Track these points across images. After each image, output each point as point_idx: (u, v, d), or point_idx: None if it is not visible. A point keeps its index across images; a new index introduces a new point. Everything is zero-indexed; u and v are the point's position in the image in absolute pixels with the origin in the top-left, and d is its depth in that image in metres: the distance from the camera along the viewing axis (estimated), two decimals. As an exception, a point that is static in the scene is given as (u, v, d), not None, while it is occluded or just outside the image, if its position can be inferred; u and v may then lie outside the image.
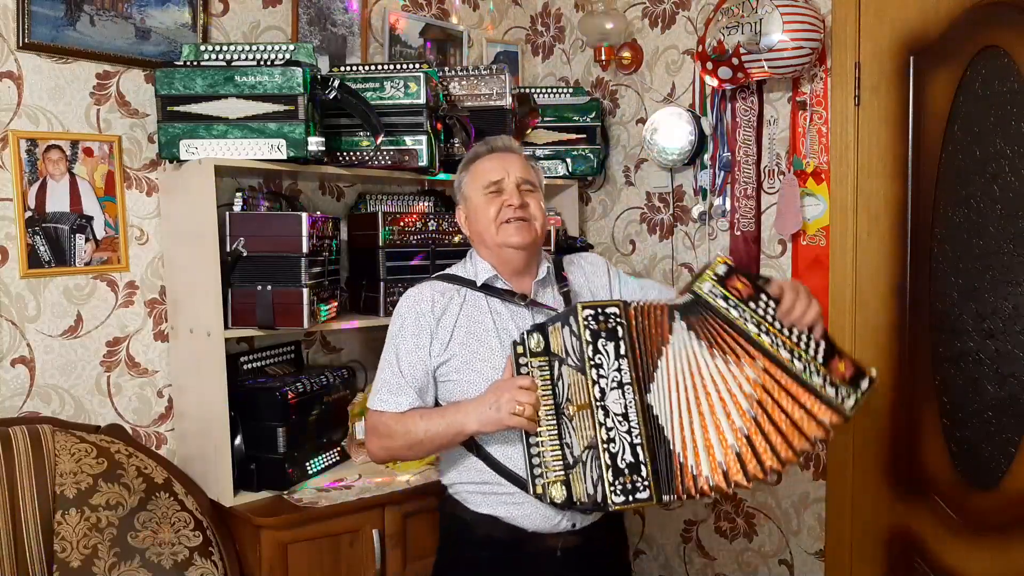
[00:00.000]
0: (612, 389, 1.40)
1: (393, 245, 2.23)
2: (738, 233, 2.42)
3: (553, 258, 1.73)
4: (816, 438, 1.36)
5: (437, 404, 1.59)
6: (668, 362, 1.42)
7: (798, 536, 2.35)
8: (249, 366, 2.17)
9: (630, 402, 1.40)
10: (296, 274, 1.96)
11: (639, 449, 1.38)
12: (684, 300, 1.46)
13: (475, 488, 1.57)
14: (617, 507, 1.37)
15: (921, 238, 2.03)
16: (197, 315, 2.00)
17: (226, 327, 1.94)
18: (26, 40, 1.91)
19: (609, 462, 1.37)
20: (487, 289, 1.61)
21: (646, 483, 1.37)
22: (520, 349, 1.46)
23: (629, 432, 1.39)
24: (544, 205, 1.67)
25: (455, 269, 1.69)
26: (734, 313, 1.41)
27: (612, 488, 1.36)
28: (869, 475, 2.15)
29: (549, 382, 1.44)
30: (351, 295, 2.39)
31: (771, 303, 1.42)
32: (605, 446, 1.38)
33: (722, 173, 2.46)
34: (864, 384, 1.37)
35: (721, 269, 1.44)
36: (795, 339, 1.40)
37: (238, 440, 1.99)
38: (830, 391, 1.36)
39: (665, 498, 1.38)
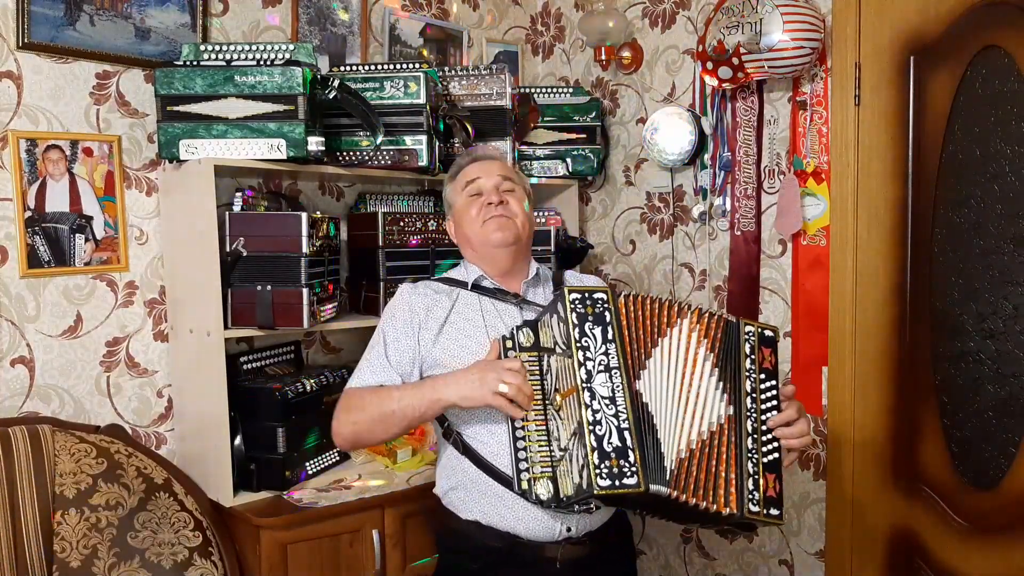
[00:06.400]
0: (599, 372, 1.37)
1: (393, 245, 2.23)
2: (738, 233, 2.42)
3: (554, 272, 1.76)
4: (709, 508, 1.35)
5: None
6: (664, 353, 1.41)
7: (798, 536, 2.35)
8: (249, 366, 2.17)
9: (617, 386, 1.36)
10: (296, 274, 1.96)
11: (626, 434, 1.34)
12: (734, 320, 1.47)
13: (464, 493, 1.55)
14: (603, 491, 1.30)
15: (921, 238, 2.03)
16: (197, 315, 2.00)
17: (226, 327, 1.94)
18: (26, 40, 1.91)
19: (595, 444, 1.32)
20: (478, 289, 1.63)
21: (633, 469, 1.32)
22: (509, 343, 1.46)
23: (616, 416, 1.34)
24: (529, 206, 1.70)
25: (451, 272, 1.72)
26: (746, 363, 1.44)
27: (598, 471, 1.30)
28: (869, 475, 2.15)
29: (538, 377, 1.44)
30: (351, 295, 2.39)
31: (773, 392, 1.45)
32: (591, 428, 1.33)
33: (722, 173, 2.46)
34: (773, 511, 1.39)
35: (768, 333, 1.48)
36: (763, 431, 1.43)
37: (238, 440, 1.99)
38: (751, 485, 1.38)
39: (653, 488, 1.33)
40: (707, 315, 1.45)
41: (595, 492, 1.30)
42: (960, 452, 1.97)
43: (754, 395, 1.43)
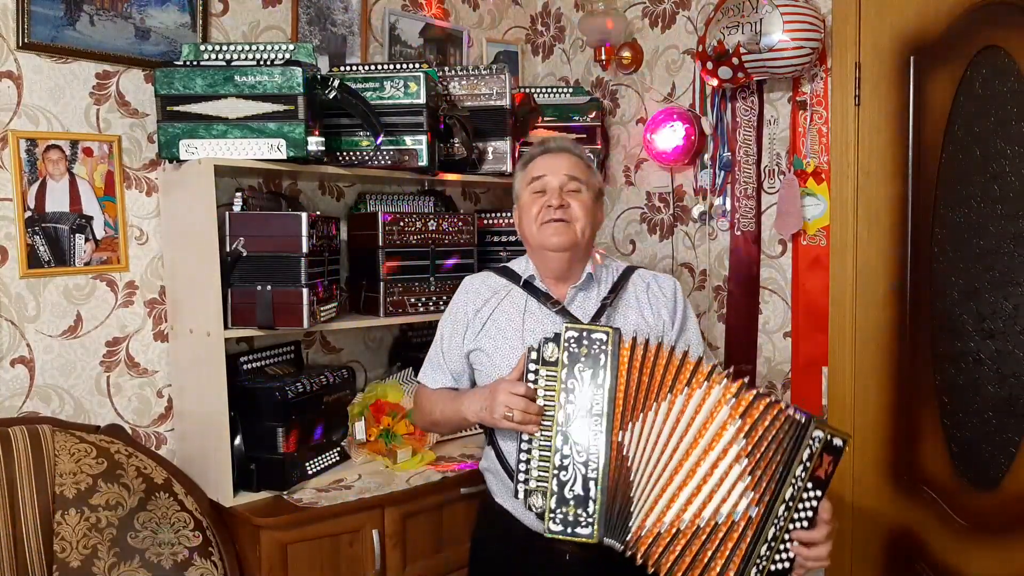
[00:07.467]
0: (579, 417, 1.35)
1: (393, 245, 2.23)
2: (738, 233, 2.42)
3: (625, 268, 1.68)
4: None
5: (474, 385, 1.69)
6: (671, 412, 1.35)
7: (798, 536, 2.35)
8: (249, 366, 2.16)
9: (596, 434, 1.35)
10: (296, 274, 1.96)
11: (591, 484, 1.33)
12: (806, 417, 1.34)
13: (492, 476, 1.63)
14: (552, 535, 1.32)
15: (921, 238, 2.03)
16: (197, 315, 2.00)
17: (226, 327, 1.94)
18: (26, 40, 1.91)
19: (556, 489, 1.33)
20: (529, 288, 1.62)
21: (590, 520, 1.31)
22: (534, 355, 1.44)
23: (586, 464, 1.34)
24: (597, 203, 1.64)
25: (513, 264, 1.71)
26: (798, 469, 1.32)
27: (552, 515, 1.32)
28: (869, 475, 2.15)
29: (553, 393, 1.41)
30: (351, 295, 2.39)
31: (814, 504, 1.34)
32: (555, 472, 1.34)
33: (722, 173, 2.46)
34: None
35: (838, 442, 1.35)
36: (784, 539, 1.33)
37: (238, 440, 1.99)
38: None
39: (608, 542, 1.33)
40: (753, 395, 1.33)
41: (546, 534, 1.34)
42: (960, 452, 1.97)
43: (791, 503, 1.32)
